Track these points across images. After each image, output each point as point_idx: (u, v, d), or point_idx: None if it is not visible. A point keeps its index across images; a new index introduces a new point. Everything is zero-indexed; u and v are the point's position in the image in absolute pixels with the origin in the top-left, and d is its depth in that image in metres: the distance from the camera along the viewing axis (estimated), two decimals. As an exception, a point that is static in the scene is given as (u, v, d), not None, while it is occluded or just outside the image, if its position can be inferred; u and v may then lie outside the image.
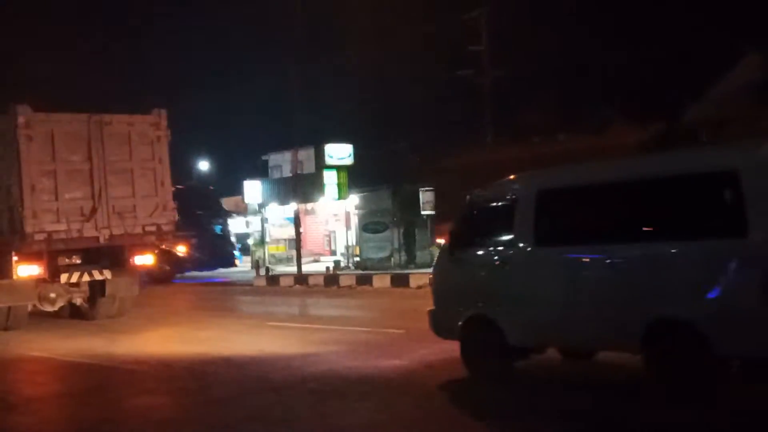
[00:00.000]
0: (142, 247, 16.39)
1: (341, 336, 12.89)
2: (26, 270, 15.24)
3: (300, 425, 7.78)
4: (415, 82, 34.42)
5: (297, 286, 24.15)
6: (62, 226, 15.23)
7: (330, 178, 31.15)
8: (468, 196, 9.64)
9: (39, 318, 16.52)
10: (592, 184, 8.59)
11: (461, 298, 9.27)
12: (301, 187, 29.19)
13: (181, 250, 28.40)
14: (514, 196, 8.99)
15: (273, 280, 25.42)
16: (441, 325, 9.61)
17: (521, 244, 8.73)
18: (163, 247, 26.63)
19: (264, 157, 36.49)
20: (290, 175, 30.01)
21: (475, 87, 31.33)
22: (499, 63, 30.63)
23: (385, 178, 29.84)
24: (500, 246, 9.00)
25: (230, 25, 43.40)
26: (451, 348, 9.65)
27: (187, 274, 30.31)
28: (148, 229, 16.17)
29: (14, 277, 15.21)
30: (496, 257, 9.02)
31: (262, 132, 38.82)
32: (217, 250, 30.35)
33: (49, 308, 16.08)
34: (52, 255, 15.51)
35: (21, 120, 14.86)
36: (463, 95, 32.58)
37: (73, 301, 16.52)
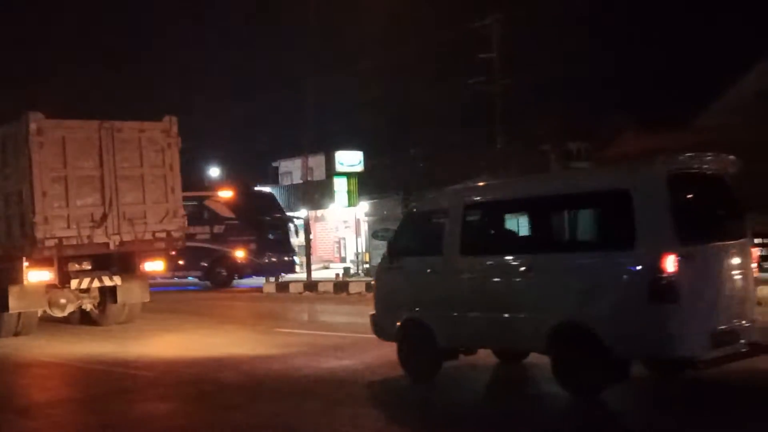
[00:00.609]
0: (152, 254, 16.43)
1: (349, 342, 12.85)
2: (37, 276, 15.31)
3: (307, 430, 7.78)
4: (427, 90, 34.42)
5: (306, 292, 24.14)
6: (73, 232, 15.28)
7: (340, 184, 31.21)
8: (407, 208, 10.42)
9: (49, 324, 16.58)
10: (509, 200, 9.57)
11: (398, 303, 10.00)
12: (312, 193, 29.20)
13: (239, 255, 27.93)
14: (445, 209, 9.76)
15: (282, 287, 25.43)
16: (381, 328, 10.30)
17: (449, 253, 9.46)
18: (228, 251, 26.97)
19: (274, 164, 36.56)
20: (300, 181, 30.07)
21: (486, 94, 31.32)
22: (510, 71, 30.60)
23: (396, 185, 29.87)
24: (432, 255, 9.69)
25: (243, 32, 43.55)
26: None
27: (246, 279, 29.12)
28: (158, 235, 16.20)
29: (25, 282, 15.27)
30: (428, 265, 9.71)
31: (272, 139, 38.88)
32: (278, 255, 29.22)
33: (59, 314, 16.14)
34: (63, 261, 15.57)
35: (33, 126, 14.92)
36: (475, 103, 32.57)
37: (83, 306, 16.57)
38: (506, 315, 8.85)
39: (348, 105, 37.69)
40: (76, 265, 15.94)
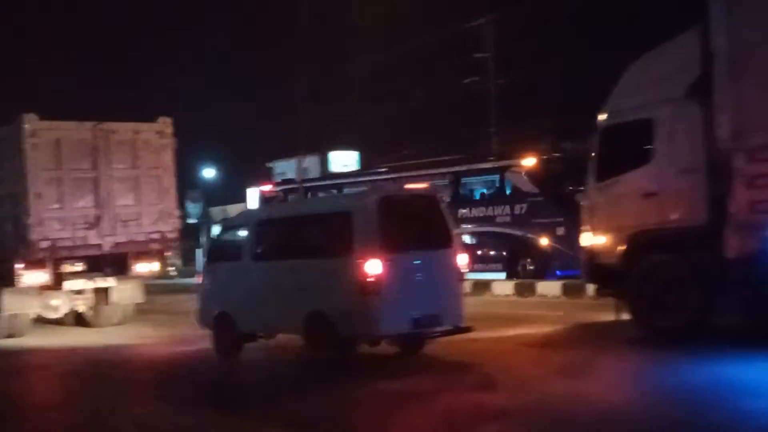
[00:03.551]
0: (146, 255, 16.42)
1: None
2: (31, 277, 15.29)
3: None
4: (421, 90, 34.45)
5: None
6: (67, 234, 15.29)
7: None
8: (220, 221, 12.72)
9: (43, 325, 16.58)
10: (280, 217, 12.72)
11: (213, 298, 12.34)
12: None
13: (548, 242, 19.50)
14: (244, 224, 12.45)
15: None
16: (202, 320, 12.60)
17: (245, 259, 11.83)
18: (534, 238, 19.29)
19: (269, 165, 36.51)
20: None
21: (481, 94, 31.37)
22: (505, 70, 30.64)
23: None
24: (236, 260, 12.02)
25: (236, 32, 43.49)
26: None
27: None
28: (152, 236, 16.22)
29: (18, 284, 15.25)
30: (232, 268, 12.08)
31: (267, 139, 38.87)
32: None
33: (52, 316, 16.11)
34: (57, 262, 15.55)
35: (27, 128, 14.93)
36: (469, 102, 32.61)
37: (77, 308, 16.54)
38: (279, 307, 11.11)
39: (343, 105, 37.72)
40: (70, 267, 15.92)
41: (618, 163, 11.47)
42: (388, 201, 10.56)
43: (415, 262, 10.44)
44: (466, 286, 18.23)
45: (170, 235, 16.45)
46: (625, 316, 11.35)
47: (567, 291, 16.99)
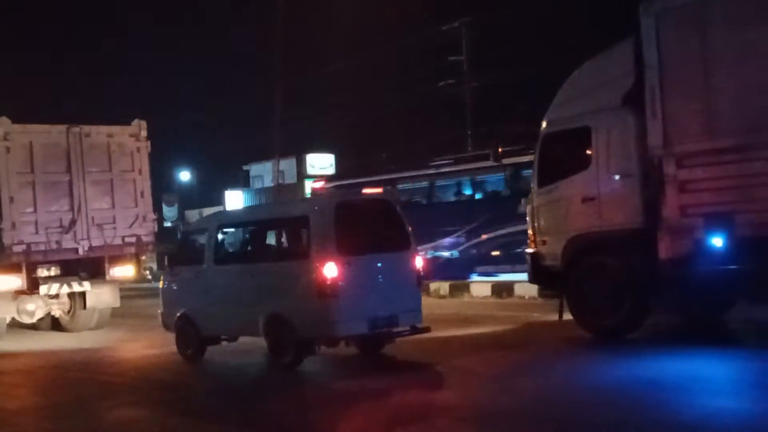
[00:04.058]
0: (122, 259, 16.33)
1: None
2: (5, 282, 15.17)
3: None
4: (396, 93, 34.55)
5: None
6: (41, 238, 15.19)
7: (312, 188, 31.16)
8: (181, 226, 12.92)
9: (18, 330, 16.43)
10: (240, 221, 12.93)
11: (176, 301, 12.48)
12: (283, 197, 29.20)
13: None
14: (205, 229, 12.31)
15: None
16: (165, 322, 12.73)
17: (206, 263, 11.92)
18: None
19: (245, 167, 36.42)
20: (272, 185, 30.05)
21: (455, 97, 31.51)
22: (479, 73, 30.80)
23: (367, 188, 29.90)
24: (197, 264, 12.10)
25: (211, 35, 43.41)
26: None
27: None
28: (127, 240, 16.14)
29: (-8, 289, 15.12)
30: (194, 272, 12.15)
31: (243, 142, 38.80)
32: None
33: (28, 320, 15.97)
34: (31, 267, 15.44)
35: (-1, 131, 14.82)
36: (444, 105, 32.75)
37: (53, 312, 16.43)
38: (240, 309, 11.22)
39: (319, 108, 37.73)
40: (45, 271, 15.81)
41: (558, 169, 11.92)
42: (344, 205, 10.79)
43: (371, 265, 10.57)
44: (445, 288, 18.78)
45: (146, 239, 16.38)
46: (568, 316, 11.75)
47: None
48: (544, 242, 12.17)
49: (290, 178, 31.96)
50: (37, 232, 15.15)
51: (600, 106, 11.33)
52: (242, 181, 37.79)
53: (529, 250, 12.48)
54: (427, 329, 10.83)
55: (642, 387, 8.33)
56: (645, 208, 10.75)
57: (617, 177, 11.13)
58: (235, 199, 33.64)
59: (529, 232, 12.47)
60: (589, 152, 11.43)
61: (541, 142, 12.26)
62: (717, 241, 9.99)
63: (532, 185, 12.54)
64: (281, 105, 27.62)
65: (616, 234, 11.10)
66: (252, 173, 36.00)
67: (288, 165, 31.01)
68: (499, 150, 13.62)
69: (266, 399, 9.40)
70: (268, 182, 32.47)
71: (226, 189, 34.79)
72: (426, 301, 11.95)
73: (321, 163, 32.71)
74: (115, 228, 15.97)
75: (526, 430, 7.33)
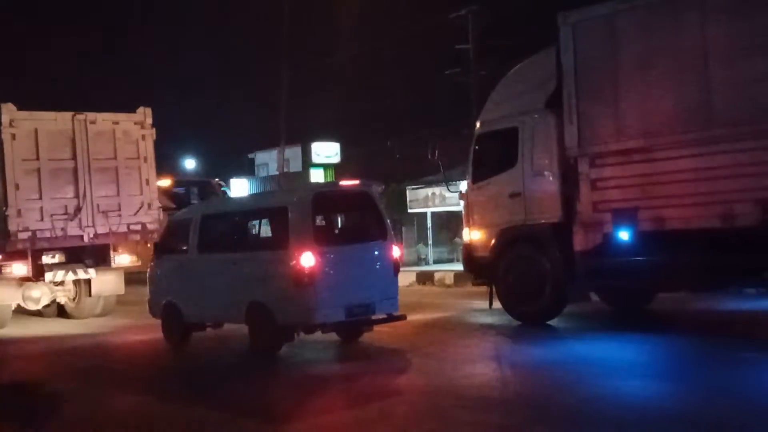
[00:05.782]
0: (127, 246, 16.35)
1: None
2: (10, 269, 15.19)
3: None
4: (403, 81, 34.43)
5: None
6: (47, 225, 15.20)
7: (317, 176, 31.19)
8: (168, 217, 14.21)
9: (23, 317, 16.45)
10: (224, 211, 13.06)
11: (162, 289, 12.81)
12: (288, 185, 29.18)
13: None
14: (190, 218, 12.54)
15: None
16: (152, 309, 13.04)
17: (190, 252, 12.24)
18: None
19: (251, 155, 36.39)
20: (277, 173, 30.03)
21: (462, 85, 31.37)
22: (486, 61, 30.64)
23: (372, 177, 29.89)
24: (182, 253, 12.44)
25: (218, 23, 43.26)
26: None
27: None
28: (132, 227, 16.14)
29: (-2, 276, 15.15)
30: (179, 260, 12.51)
31: (249, 130, 38.73)
32: None
33: (33, 307, 16.03)
34: (37, 254, 15.47)
35: (5, 118, 14.82)
36: (450, 94, 32.63)
37: (58, 299, 16.47)
38: (222, 297, 11.49)
39: (325, 96, 37.64)
40: (50, 258, 15.85)
41: (489, 166, 12.92)
42: (322, 196, 11.16)
43: (348, 255, 10.86)
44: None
45: (151, 227, 16.36)
46: (497, 304, 12.77)
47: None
48: (476, 234, 13.08)
49: (295, 166, 31.95)
50: (42, 219, 15.16)
51: (526, 108, 12.25)
52: (247, 169, 37.80)
53: (464, 242, 13.41)
54: (403, 317, 11.23)
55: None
56: (563, 204, 11.68)
57: (540, 175, 12.07)
58: (240, 187, 33.63)
59: (464, 224, 13.42)
60: (516, 151, 12.34)
61: (476, 141, 13.21)
62: (624, 235, 10.93)
63: (467, 181, 13.43)
64: (287, 93, 27.55)
65: (539, 227, 12.07)
66: (257, 161, 36.02)
67: (293, 153, 31.01)
68: (436, 152, 14.09)
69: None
70: (273, 170, 32.48)
71: (231, 177, 34.76)
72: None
73: (326, 152, 32.67)
74: (120, 215, 15.97)
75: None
